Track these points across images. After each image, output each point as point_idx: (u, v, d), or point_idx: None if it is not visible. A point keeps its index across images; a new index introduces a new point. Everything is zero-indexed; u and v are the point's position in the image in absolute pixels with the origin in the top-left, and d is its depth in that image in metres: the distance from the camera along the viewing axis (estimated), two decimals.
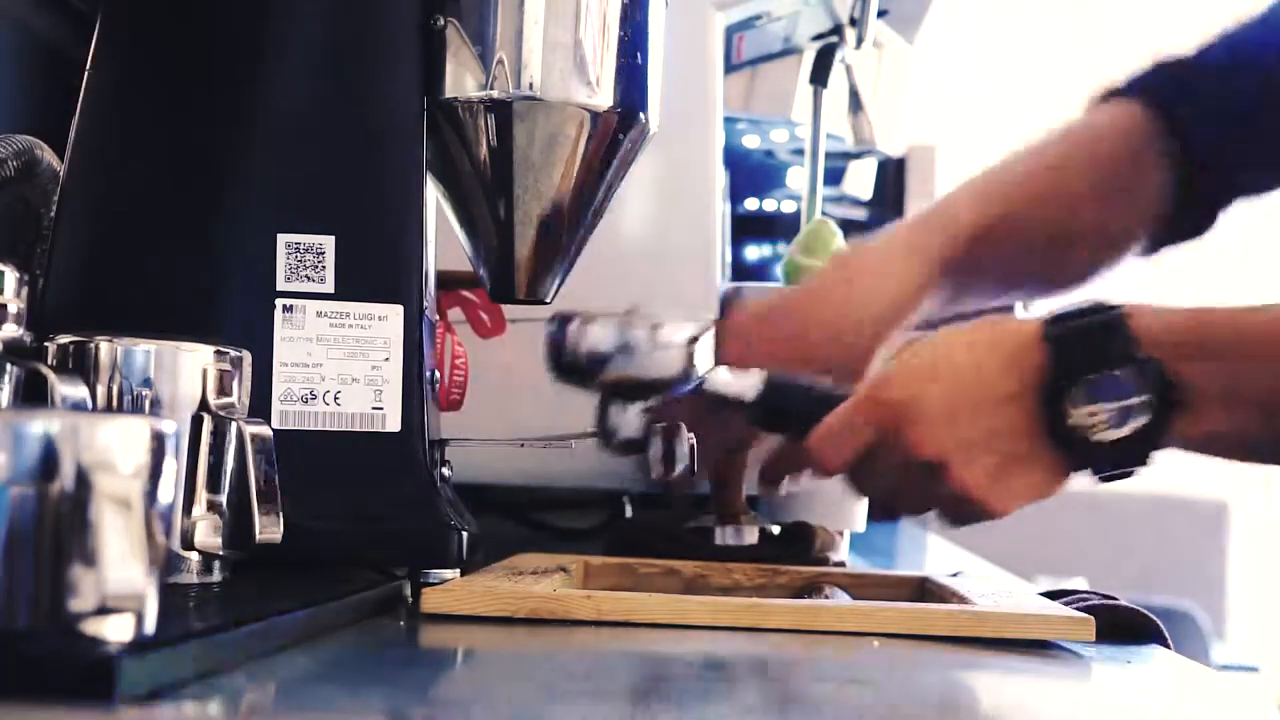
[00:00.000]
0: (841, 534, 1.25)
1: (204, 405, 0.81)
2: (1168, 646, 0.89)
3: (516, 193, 0.97)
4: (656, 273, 1.33)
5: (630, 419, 0.99)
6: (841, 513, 1.36)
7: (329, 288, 0.93)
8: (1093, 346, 0.91)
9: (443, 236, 1.01)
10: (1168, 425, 0.90)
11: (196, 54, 0.94)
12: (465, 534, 0.94)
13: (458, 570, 0.94)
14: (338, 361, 0.93)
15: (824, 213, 1.51)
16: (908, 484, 0.95)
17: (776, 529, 1.16)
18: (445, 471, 1.00)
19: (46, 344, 0.80)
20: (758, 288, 1.36)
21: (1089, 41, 3.63)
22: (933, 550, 1.84)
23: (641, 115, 0.98)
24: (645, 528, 1.17)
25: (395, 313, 0.94)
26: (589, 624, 0.84)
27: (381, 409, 0.93)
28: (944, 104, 3.02)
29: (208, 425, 0.81)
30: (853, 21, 1.53)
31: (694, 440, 1.01)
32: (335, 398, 0.92)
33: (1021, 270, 1.19)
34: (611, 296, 1.31)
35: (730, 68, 1.53)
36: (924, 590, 1.03)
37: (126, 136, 0.95)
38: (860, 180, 2.04)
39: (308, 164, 0.94)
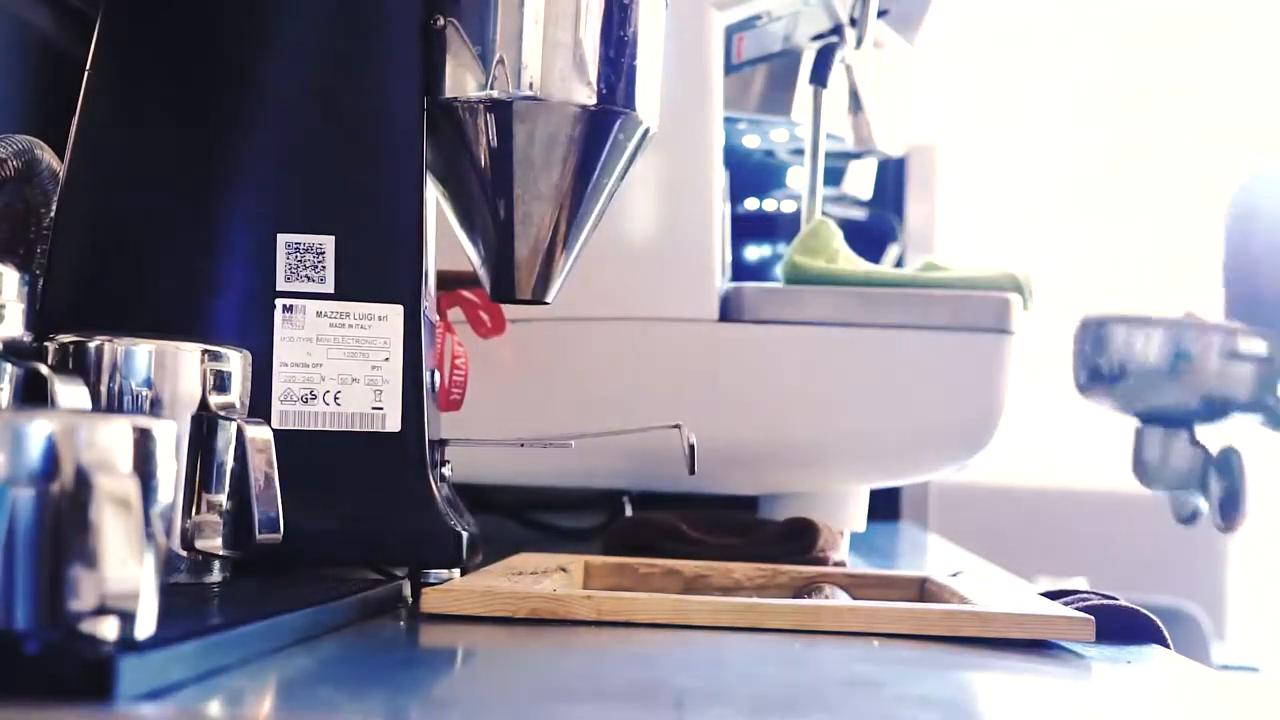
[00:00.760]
0: (843, 533, 1.25)
1: (204, 405, 0.81)
2: (1168, 646, 0.89)
3: (516, 193, 0.97)
4: (657, 273, 1.33)
5: (1180, 449, 0.84)
6: (843, 513, 1.36)
7: (329, 288, 0.93)
8: None
9: (443, 236, 1.01)
10: None
11: (197, 54, 0.95)
12: (465, 534, 0.94)
13: (457, 570, 0.94)
14: (338, 361, 0.93)
15: (824, 213, 1.51)
16: None
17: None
18: (445, 471, 1.00)
19: (46, 344, 0.80)
20: (759, 288, 1.36)
21: (1089, 42, 3.63)
22: (933, 550, 1.84)
23: (642, 115, 0.98)
24: (645, 527, 1.17)
25: (395, 313, 0.94)
26: (589, 624, 0.84)
27: (381, 409, 0.93)
28: (944, 104, 3.02)
29: (207, 425, 0.81)
30: (853, 22, 1.53)
31: (693, 441, 1.01)
32: (335, 398, 0.92)
33: None
34: (613, 296, 1.32)
35: (730, 68, 1.53)
36: (924, 591, 1.03)
37: (126, 137, 0.95)
38: (860, 180, 2.04)
39: (308, 164, 0.94)
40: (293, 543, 0.82)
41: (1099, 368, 0.73)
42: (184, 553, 0.81)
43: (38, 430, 0.55)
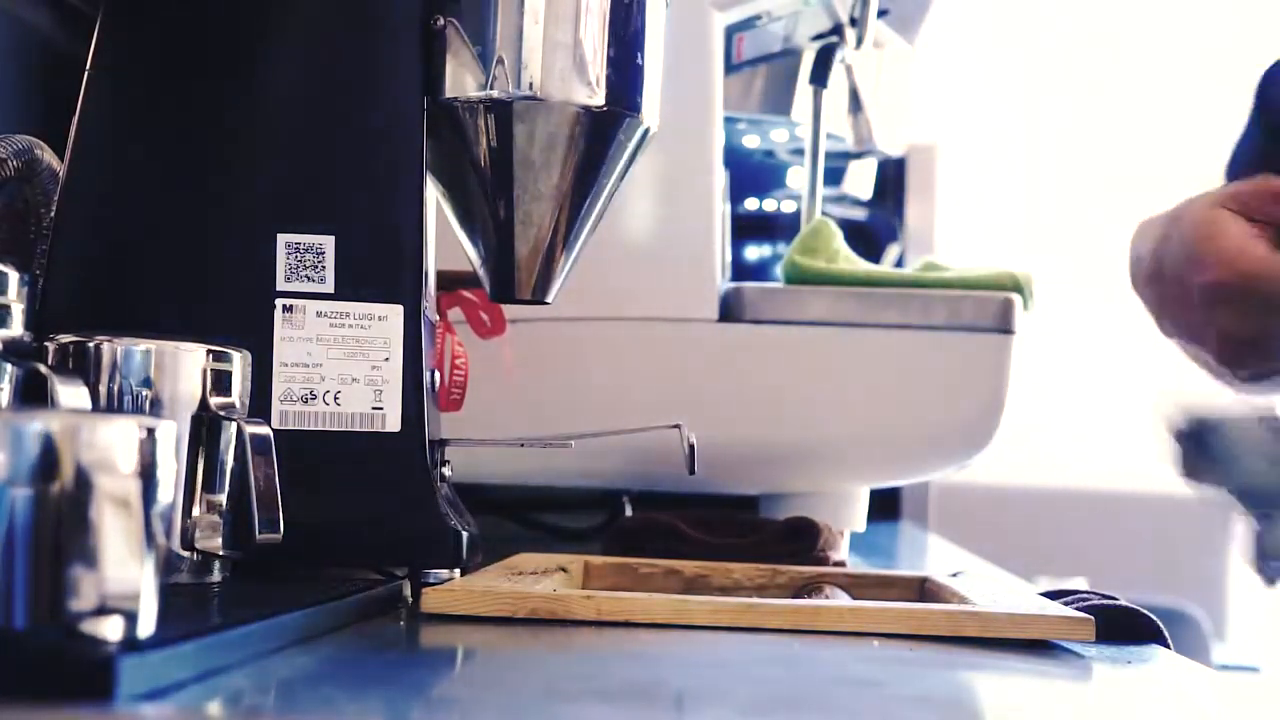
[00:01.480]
0: (843, 533, 1.25)
1: (204, 405, 0.81)
2: (1168, 646, 0.89)
3: (516, 193, 0.97)
4: (657, 273, 1.33)
5: None
6: (843, 512, 1.36)
7: (329, 288, 0.93)
8: None
9: (443, 236, 1.01)
10: None
11: (197, 54, 0.95)
12: (465, 534, 0.94)
13: (458, 570, 0.94)
14: (338, 361, 0.93)
15: (824, 213, 1.51)
16: None
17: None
18: (445, 471, 1.00)
19: (46, 344, 0.80)
20: (759, 288, 1.36)
21: (1090, 41, 3.63)
22: (933, 551, 1.84)
23: (642, 115, 0.98)
24: (645, 527, 1.17)
25: (395, 313, 0.94)
26: (589, 624, 0.83)
27: (381, 409, 0.93)
28: (944, 104, 3.02)
29: (208, 425, 0.81)
30: (853, 22, 1.53)
31: (693, 441, 1.01)
32: (335, 398, 0.92)
33: None
34: (613, 296, 1.32)
35: (730, 68, 1.53)
36: (924, 590, 1.03)
37: (126, 137, 0.95)
38: (860, 180, 2.04)
39: (308, 164, 0.94)
40: (293, 543, 0.82)
41: (1207, 468, 0.72)
42: (184, 553, 0.81)
43: (38, 430, 0.55)
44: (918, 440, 1.37)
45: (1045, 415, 3.61)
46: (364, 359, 0.93)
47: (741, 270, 2.13)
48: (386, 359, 0.93)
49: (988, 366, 1.34)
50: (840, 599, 0.98)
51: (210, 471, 0.81)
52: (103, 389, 0.79)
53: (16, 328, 0.78)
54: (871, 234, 2.21)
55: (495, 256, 0.99)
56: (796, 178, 1.99)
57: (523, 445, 1.05)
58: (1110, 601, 0.93)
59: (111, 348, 0.80)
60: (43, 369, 0.76)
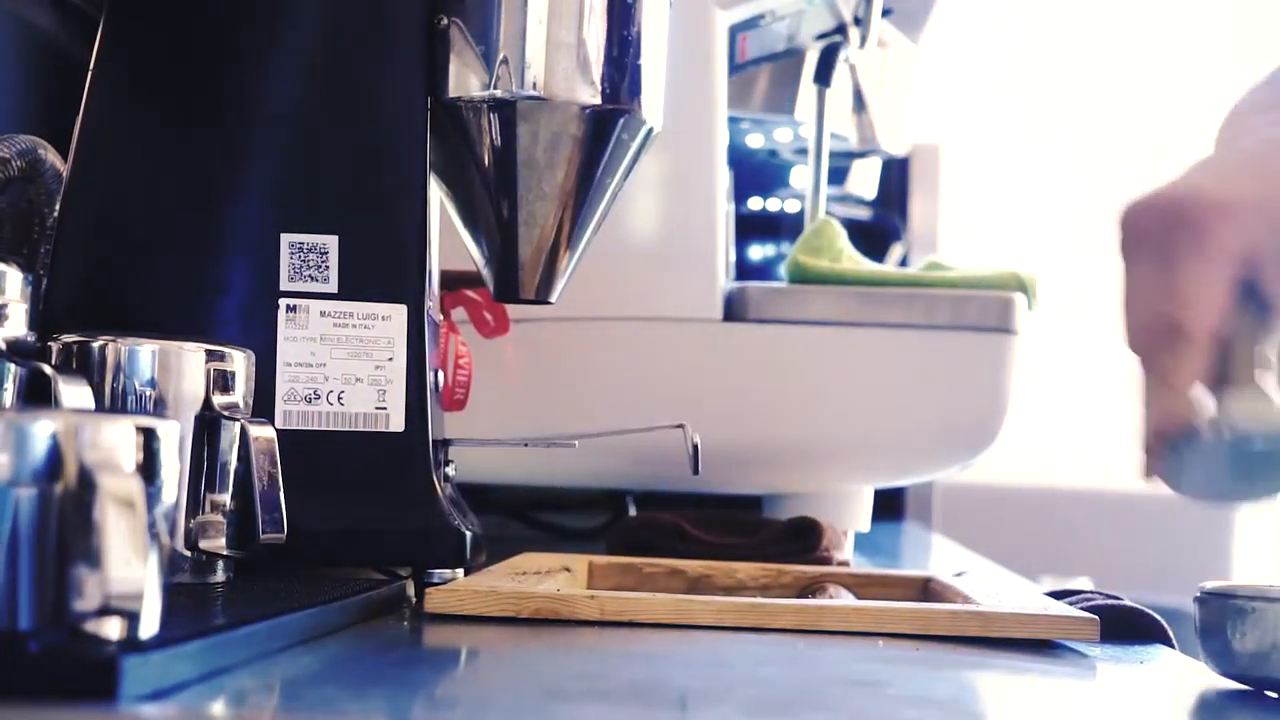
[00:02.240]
0: (846, 533, 1.25)
1: (207, 405, 0.81)
2: (1172, 646, 0.89)
3: (520, 192, 0.97)
4: (660, 273, 1.33)
5: None
6: (847, 512, 1.36)
7: (332, 288, 0.93)
8: None
9: (446, 236, 1.01)
10: None
11: (200, 54, 0.95)
12: (469, 534, 0.94)
13: (461, 570, 0.94)
14: (341, 361, 0.93)
15: (828, 212, 1.51)
16: None
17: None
18: (449, 471, 1.00)
19: (50, 344, 0.80)
20: (763, 288, 1.36)
21: (1092, 41, 3.63)
22: (937, 550, 1.84)
23: (645, 115, 0.98)
24: (648, 527, 1.17)
25: (399, 312, 0.94)
26: (593, 624, 0.83)
27: (385, 409, 0.93)
28: (948, 103, 3.02)
29: (211, 425, 0.81)
30: (857, 21, 1.53)
31: (697, 441, 1.01)
32: (339, 398, 0.92)
33: None
34: (616, 296, 1.32)
35: (734, 67, 1.53)
36: (928, 590, 1.03)
37: (130, 137, 0.95)
38: (864, 180, 2.04)
39: (311, 164, 0.94)
40: (296, 543, 0.82)
41: (1242, 651, 0.72)
42: (188, 553, 0.81)
43: (42, 430, 0.55)
44: (921, 440, 1.36)
45: (1050, 415, 3.61)
46: (368, 359, 0.93)
47: (745, 270, 2.13)
48: (390, 359, 0.93)
49: (992, 366, 1.34)
50: (844, 599, 0.98)
51: (214, 471, 0.81)
52: (106, 389, 0.79)
53: (20, 328, 0.79)
54: (875, 234, 2.21)
55: (499, 256, 0.99)
56: (800, 177, 1.99)
57: (526, 445, 1.05)
58: (1114, 601, 0.93)
59: (115, 348, 0.80)
60: (47, 369, 0.76)
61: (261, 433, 0.81)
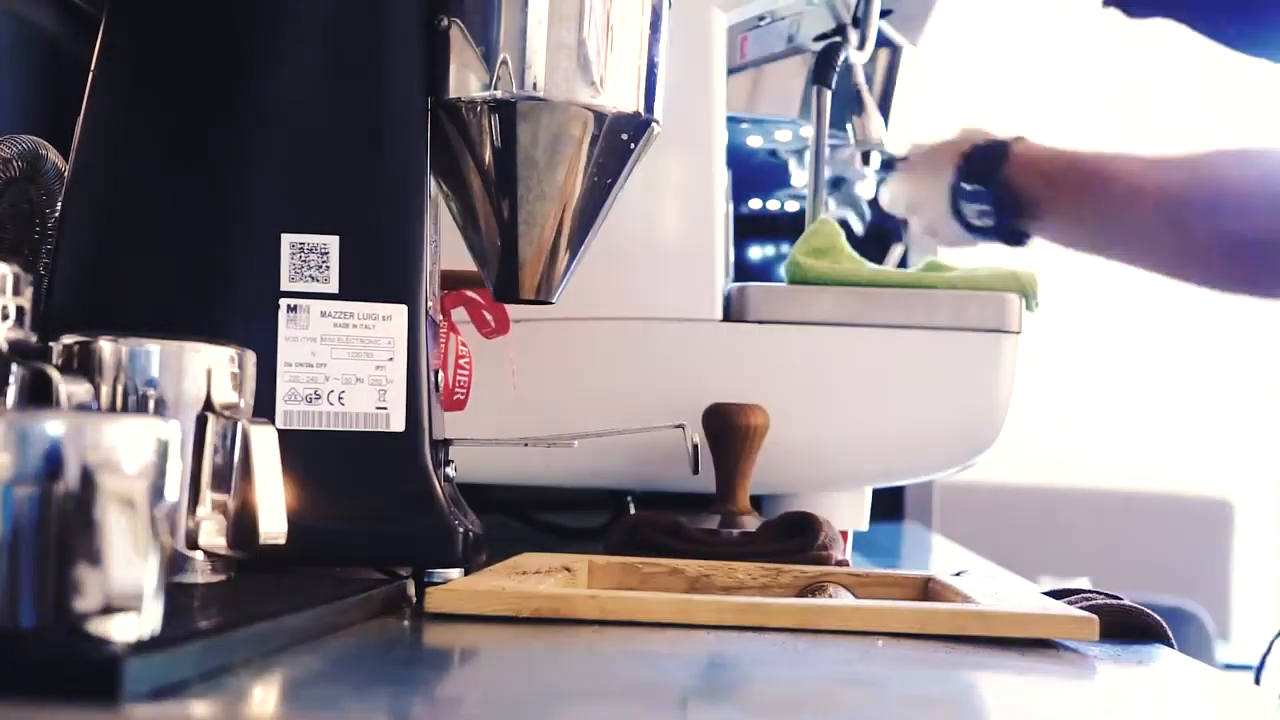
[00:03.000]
0: (846, 533, 1.25)
1: (208, 405, 0.81)
2: (1171, 646, 0.89)
3: (520, 193, 0.97)
4: (660, 273, 1.33)
5: None
6: (846, 512, 1.36)
7: (333, 288, 0.93)
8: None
9: (446, 236, 1.02)
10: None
11: (201, 54, 0.95)
12: (469, 534, 0.94)
13: (461, 570, 0.94)
14: (342, 361, 0.93)
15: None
16: None
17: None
18: (449, 471, 1.00)
19: (51, 344, 0.81)
20: (762, 288, 1.36)
21: (1092, 40, 3.63)
22: (936, 550, 1.84)
23: (645, 115, 0.99)
24: (647, 525, 1.17)
25: (399, 312, 0.94)
26: (593, 624, 0.84)
27: (385, 409, 0.93)
28: (947, 104, 3.02)
29: (212, 425, 0.81)
30: (856, 22, 1.53)
31: (697, 440, 1.01)
32: (339, 398, 0.92)
33: None
34: (616, 296, 1.32)
35: (734, 68, 1.53)
36: (928, 590, 1.03)
37: (131, 137, 0.95)
38: (864, 180, 2.03)
39: (312, 164, 0.94)
40: (297, 542, 0.82)
41: None
42: (189, 552, 0.81)
43: (43, 430, 0.55)
44: (921, 440, 1.36)
45: (1049, 415, 3.61)
46: (368, 359, 0.93)
47: (745, 271, 2.13)
48: (390, 359, 0.93)
49: (991, 366, 1.34)
50: (844, 598, 0.98)
51: (214, 471, 0.81)
52: (107, 389, 0.79)
53: (22, 328, 0.78)
54: (875, 234, 2.21)
55: (499, 256, 0.99)
56: (800, 178, 1.99)
57: (526, 445, 1.06)
58: (1114, 601, 0.93)
59: (116, 348, 0.80)
60: (48, 369, 0.76)
61: (262, 433, 0.81)
